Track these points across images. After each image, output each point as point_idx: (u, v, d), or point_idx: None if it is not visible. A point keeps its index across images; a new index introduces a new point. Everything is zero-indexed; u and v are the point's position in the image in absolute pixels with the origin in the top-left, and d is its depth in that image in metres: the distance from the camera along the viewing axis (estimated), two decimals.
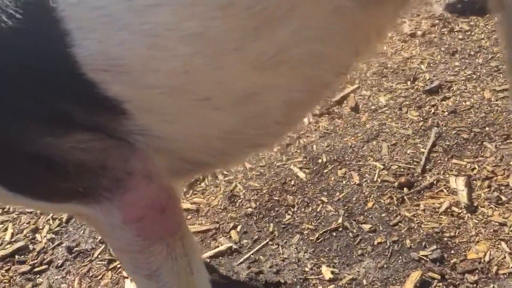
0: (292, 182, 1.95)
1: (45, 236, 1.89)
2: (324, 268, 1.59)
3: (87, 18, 0.80)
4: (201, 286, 1.08)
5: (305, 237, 1.72)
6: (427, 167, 1.91)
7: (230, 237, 1.76)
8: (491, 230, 1.61)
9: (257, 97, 0.92)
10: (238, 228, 1.79)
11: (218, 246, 1.73)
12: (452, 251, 1.58)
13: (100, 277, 1.70)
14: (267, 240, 1.73)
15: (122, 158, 0.92)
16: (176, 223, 0.99)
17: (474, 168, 1.85)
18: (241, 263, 1.66)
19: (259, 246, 1.71)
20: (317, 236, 1.71)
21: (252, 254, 1.68)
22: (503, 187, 1.76)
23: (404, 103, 2.28)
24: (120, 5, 0.79)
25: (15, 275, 1.75)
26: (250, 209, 1.86)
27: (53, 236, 1.89)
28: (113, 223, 0.94)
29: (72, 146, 0.88)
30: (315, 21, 0.87)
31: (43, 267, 1.77)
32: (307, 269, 1.60)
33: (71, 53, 0.81)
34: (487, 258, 1.53)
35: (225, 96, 0.90)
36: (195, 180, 2.03)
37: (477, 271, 1.51)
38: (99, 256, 1.79)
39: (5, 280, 1.73)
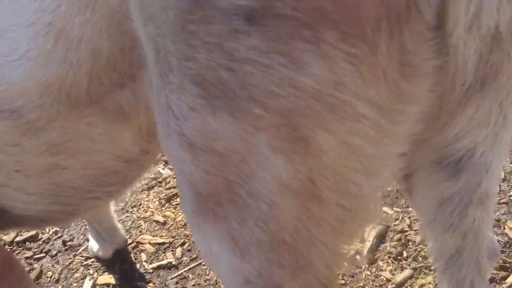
0: None
1: (51, 228, 2.42)
2: None
3: None
4: None
5: None
6: None
7: (175, 253, 2.14)
8: (377, 285, 1.81)
9: (55, 171, 1.26)
10: (185, 246, 2.16)
11: (163, 260, 2.12)
12: None
13: (75, 270, 2.19)
14: (201, 261, 2.08)
15: None
16: (16, 280, 1.41)
17: (397, 219, 2.01)
18: (173, 278, 2.04)
19: (193, 265, 2.07)
20: None
21: (184, 271, 2.06)
22: (410, 243, 1.91)
23: None
24: None
25: (21, 259, 2.30)
26: None
27: (57, 229, 2.42)
28: None
29: None
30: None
31: (42, 255, 2.29)
32: None
33: None
34: None
35: (30, 170, 1.25)
36: (173, 194, 2.42)
37: None
38: (82, 252, 2.28)
39: None
